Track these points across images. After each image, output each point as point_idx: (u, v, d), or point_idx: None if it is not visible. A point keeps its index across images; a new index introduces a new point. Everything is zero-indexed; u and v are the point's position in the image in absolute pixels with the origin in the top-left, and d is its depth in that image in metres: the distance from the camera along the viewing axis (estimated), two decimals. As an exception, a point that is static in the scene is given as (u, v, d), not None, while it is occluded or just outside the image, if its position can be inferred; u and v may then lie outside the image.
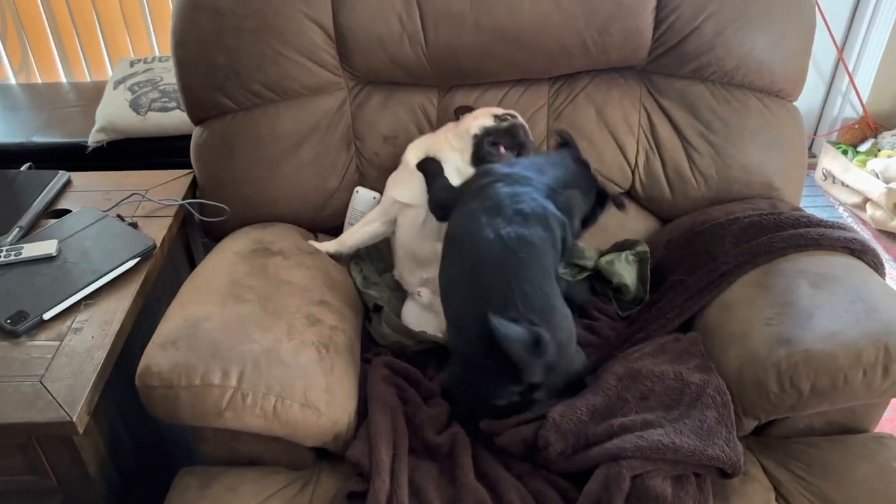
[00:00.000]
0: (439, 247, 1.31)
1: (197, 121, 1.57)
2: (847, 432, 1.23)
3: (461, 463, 1.14)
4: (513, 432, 1.17)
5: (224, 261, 1.37)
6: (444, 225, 1.33)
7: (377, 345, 1.44)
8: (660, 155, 1.57)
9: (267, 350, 1.14)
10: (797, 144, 1.58)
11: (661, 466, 1.08)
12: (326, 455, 1.22)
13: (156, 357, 1.09)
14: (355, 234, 1.53)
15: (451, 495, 1.11)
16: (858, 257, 1.31)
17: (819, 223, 1.37)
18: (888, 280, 1.48)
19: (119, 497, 1.25)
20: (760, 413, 1.17)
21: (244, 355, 1.11)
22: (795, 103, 1.60)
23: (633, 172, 1.59)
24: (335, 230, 1.61)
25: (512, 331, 1.08)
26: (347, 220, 1.60)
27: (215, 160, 1.55)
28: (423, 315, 1.45)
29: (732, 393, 1.17)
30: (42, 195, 1.53)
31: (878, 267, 1.31)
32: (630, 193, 1.62)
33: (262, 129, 1.52)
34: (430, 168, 1.44)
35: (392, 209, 1.49)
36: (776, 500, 1.14)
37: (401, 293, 1.53)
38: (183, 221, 1.58)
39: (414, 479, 1.13)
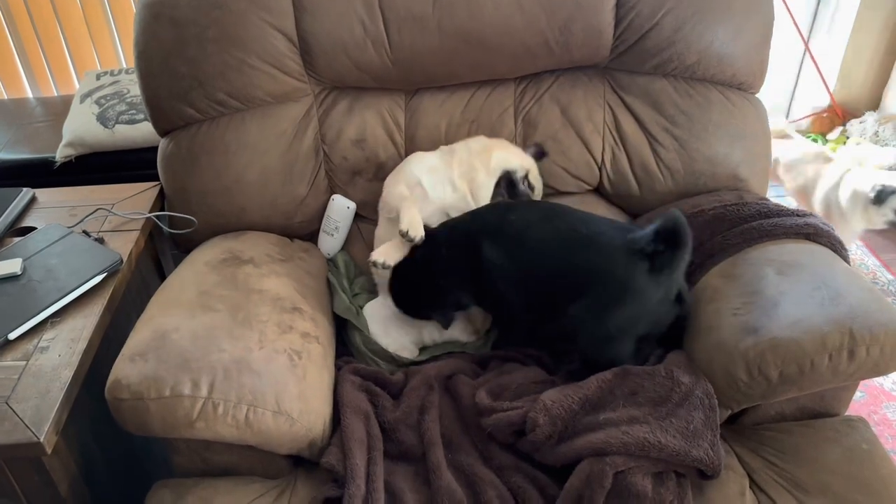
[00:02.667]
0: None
1: (163, 132, 1.56)
2: (818, 416, 1.25)
3: (434, 464, 1.14)
4: (500, 416, 1.18)
5: (193, 272, 1.37)
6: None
7: (349, 351, 1.44)
8: (626, 151, 1.58)
9: (237, 359, 1.14)
10: (761, 135, 1.60)
11: (643, 463, 1.09)
12: (302, 462, 1.22)
13: (125, 370, 1.08)
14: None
15: (428, 496, 1.11)
16: (818, 242, 1.33)
17: (780, 212, 1.39)
18: (853, 260, 1.50)
19: (92, 515, 1.24)
20: (731, 402, 1.19)
21: (214, 365, 1.11)
22: (759, 95, 1.62)
23: (600, 169, 1.60)
24: (309, 237, 1.61)
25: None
26: (322, 227, 1.60)
27: (182, 171, 1.54)
28: (388, 324, 1.45)
29: None
30: (6, 213, 1.51)
31: (838, 249, 1.34)
32: (598, 190, 1.63)
33: (228, 137, 1.51)
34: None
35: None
36: (750, 487, 1.15)
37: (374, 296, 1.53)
38: (151, 234, 1.57)
39: (390, 483, 1.13)
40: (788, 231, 1.34)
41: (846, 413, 1.27)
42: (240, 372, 1.12)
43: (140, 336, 1.16)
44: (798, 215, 1.38)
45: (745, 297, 1.23)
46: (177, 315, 1.21)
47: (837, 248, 1.34)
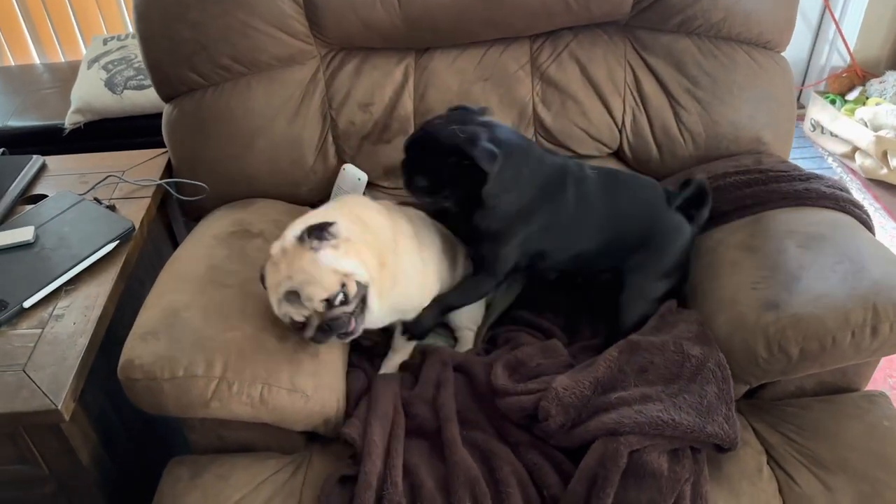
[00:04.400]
0: None
1: (166, 98, 1.53)
2: (838, 392, 1.23)
3: (450, 439, 1.13)
4: (512, 400, 1.17)
5: (202, 245, 1.34)
6: None
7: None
8: (647, 113, 1.53)
9: (250, 336, 1.12)
10: (786, 97, 1.54)
11: (658, 442, 1.08)
12: (317, 437, 1.22)
13: (137, 349, 1.07)
14: None
15: (443, 472, 1.10)
16: (841, 210, 1.30)
17: (802, 177, 1.35)
18: (879, 230, 1.47)
19: (113, 482, 1.25)
20: (750, 378, 1.17)
21: (227, 344, 1.09)
22: (783, 54, 1.56)
23: (620, 132, 1.55)
24: (319, 205, 1.58)
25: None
26: (332, 197, 1.57)
27: (189, 138, 1.51)
28: None
29: None
30: (17, 181, 1.50)
31: (860, 217, 1.30)
32: (618, 154, 1.59)
33: (233, 104, 1.47)
34: None
35: None
36: (768, 463, 1.14)
37: None
38: (162, 201, 1.56)
39: (406, 460, 1.12)
40: (809, 196, 1.30)
41: (867, 387, 1.24)
42: (253, 350, 1.10)
43: (151, 313, 1.15)
44: (817, 179, 1.34)
45: (765, 270, 1.20)
46: (187, 291, 1.19)
47: (860, 215, 1.30)
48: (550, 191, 1.27)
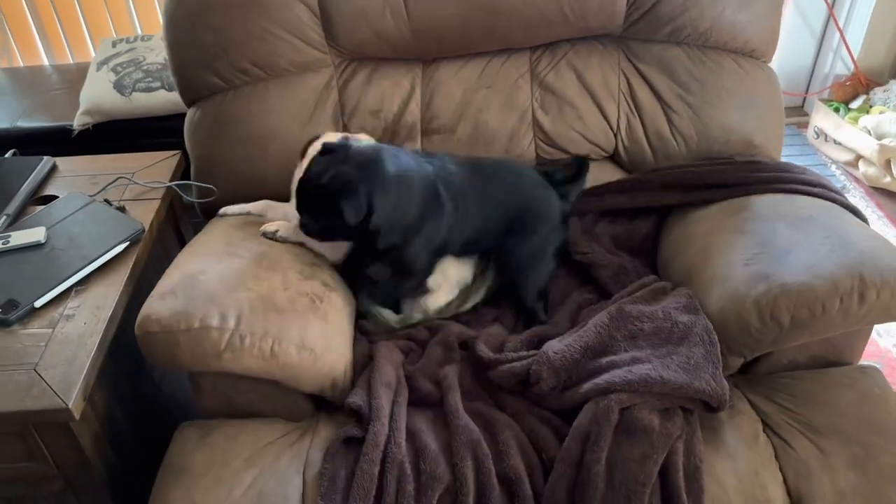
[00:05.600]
0: None
1: (189, 102, 1.59)
2: (831, 366, 1.27)
3: (452, 406, 1.17)
4: (504, 369, 1.21)
5: (219, 230, 1.41)
6: None
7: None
8: (640, 118, 1.60)
9: (263, 296, 1.18)
10: (774, 102, 1.61)
11: (649, 399, 1.12)
12: (323, 406, 1.25)
13: (155, 306, 1.12)
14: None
15: (446, 438, 1.14)
16: (835, 201, 1.36)
17: (795, 170, 1.43)
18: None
19: (120, 480, 1.27)
20: (744, 349, 1.21)
21: (241, 301, 1.15)
22: (781, 61, 1.60)
23: (615, 136, 1.62)
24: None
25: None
26: None
27: (208, 140, 1.57)
28: None
29: (717, 333, 1.20)
30: (28, 182, 1.52)
31: (854, 210, 1.35)
32: (614, 158, 1.65)
33: (252, 107, 1.54)
34: None
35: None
36: (764, 431, 1.17)
37: None
38: (172, 203, 1.58)
39: (410, 425, 1.16)
40: (797, 182, 1.38)
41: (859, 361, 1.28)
42: (265, 308, 1.16)
43: (169, 278, 1.21)
44: (812, 180, 1.41)
45: (756, 248, 1.26)
46: (204, 261, 1.25)
47: (848, 203, 1.36)
48: (429, 204, 1.35)
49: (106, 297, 1.24)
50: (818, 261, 1.17)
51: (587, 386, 1.14)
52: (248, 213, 1.47)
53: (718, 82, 1.56)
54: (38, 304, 1.22)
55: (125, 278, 1.29)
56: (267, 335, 1.12)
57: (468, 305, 1.48)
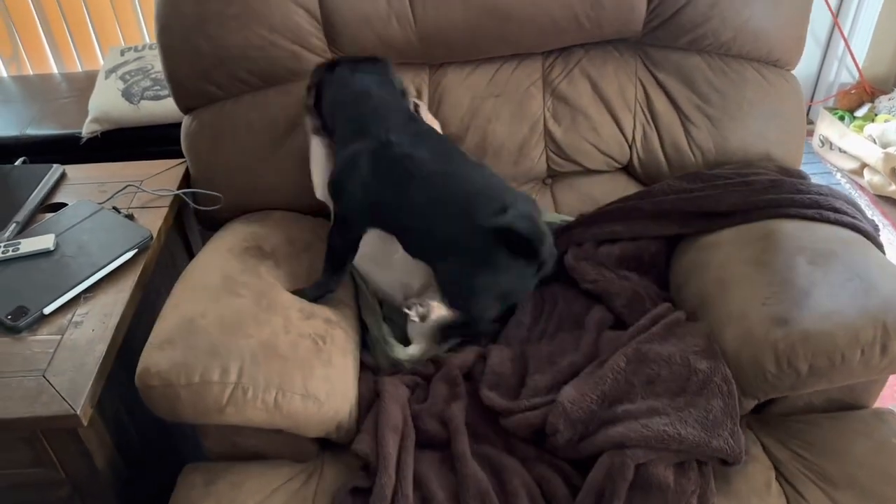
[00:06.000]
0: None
1: (185, 109, 1.55)
2: (847, 409, 1.24)
3: (460, 452, 1.14)
4: (519, 418, 1.18)
5: (217, 257, 1.36)
6: None
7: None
8: (657, 129, 1.55)
9: (264, 344, 1.14)
10: (796, 114, 1.56)
11: (665, 455, 1.09)
12: (329, 446, 1.23)
13: (154, 357, 1.09)
14: None
15: (453, 484, 1.12)
16: (851, 228, 1.31)
17: (811, 190, 1.36)
18: (887, 247, 1.47)
19: (126, 486, 1.27)
20: (759, 393, 1.18)
21: (242, 350, 1.11)
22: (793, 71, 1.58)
23: (630, 148, 1.57)
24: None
25: (516, 217, 1.24)
26: None
27: (206, 149, 1.54)
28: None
29: (731, 371, 1.17)
30: (37, 189, 1.53)
31: (871, 236, 1.31)
32: (628, 169, 1.61)
33: (251, 116, 1.50)
34: None
35: None
36: (776, 479, 1.15)
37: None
38: (179, 211, 1.58)
39: (416, 471, 1.13)
40: (816, 210, 1.32)
41: (875, 405, 1.25)
42: (267, 357, 1.12)
43: (167, 323, 1.17)
44: (828, 197, 1.35)
45: (775, 286, 1.21)
46: (202, 300, 1.21)
47: (870, 234, 1.31)
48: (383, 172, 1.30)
49: (114, 304, 1.25)
50: (840, 307, 1.12)
51: (601, 437, 1.11)
52: None
53: (740, 94, 1.50)
54: (46, 310, 1.22)
55: (133, 285, 1.29)
56: (270, 386, 1.09)
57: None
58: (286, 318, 1.21)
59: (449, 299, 1.33)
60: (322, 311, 1.29)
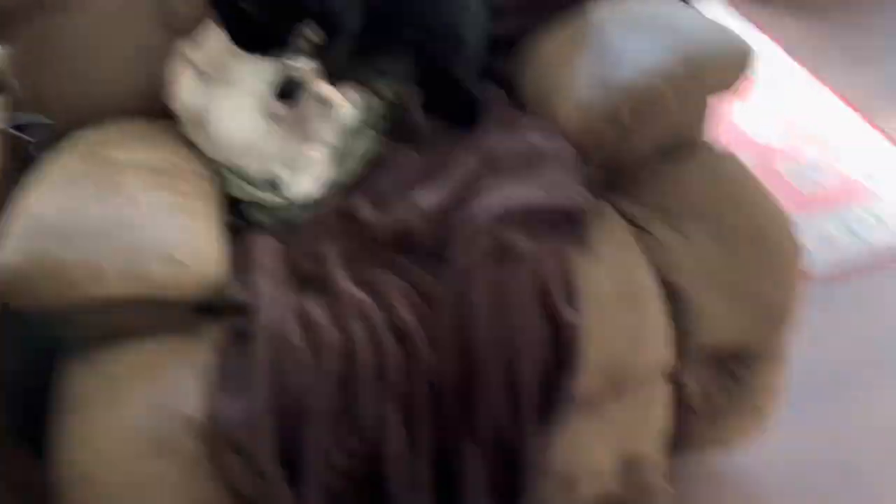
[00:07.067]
0: None
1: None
2: (684, 151, 1.33)
3: (333, 277, 1.17)
4: (387, 231, 1.23)
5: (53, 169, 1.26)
6: None
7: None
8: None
9: (115, 219, 1.12)
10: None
11: (518, 225, 1.15)
12: (210, 311, 1.20)
13: (4, 254, 1.05)
14: None
15: (334, 307, 1.13)
16: None
17: None
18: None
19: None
20: (595, 154, 1.26)
21: (96, 228, 1.10)
22: None
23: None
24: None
25: None
26: None
27: (31, 70, 1.39)
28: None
29: (575, 148, 1.25)
30: None
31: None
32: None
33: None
34: None
35: None
36: (631, 230, 1.24)
37: None
38: (14, 149, 1.47)
39: (295, 303, 1.15)
40: None
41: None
42: (120, 229, 1.10)
43: (12, 224, 1.11)
44: None
45: (593, 55, 1.30)
46: (38, 194, 1.17)
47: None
48: None
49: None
50: (653, 54, 1.23)
51: (454, 223, 1.17)
52: None
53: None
54: None
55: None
56: (129, 258, 1.07)
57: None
58: (135, 197, 1.18)
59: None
60: (181, 185, 1.26)
